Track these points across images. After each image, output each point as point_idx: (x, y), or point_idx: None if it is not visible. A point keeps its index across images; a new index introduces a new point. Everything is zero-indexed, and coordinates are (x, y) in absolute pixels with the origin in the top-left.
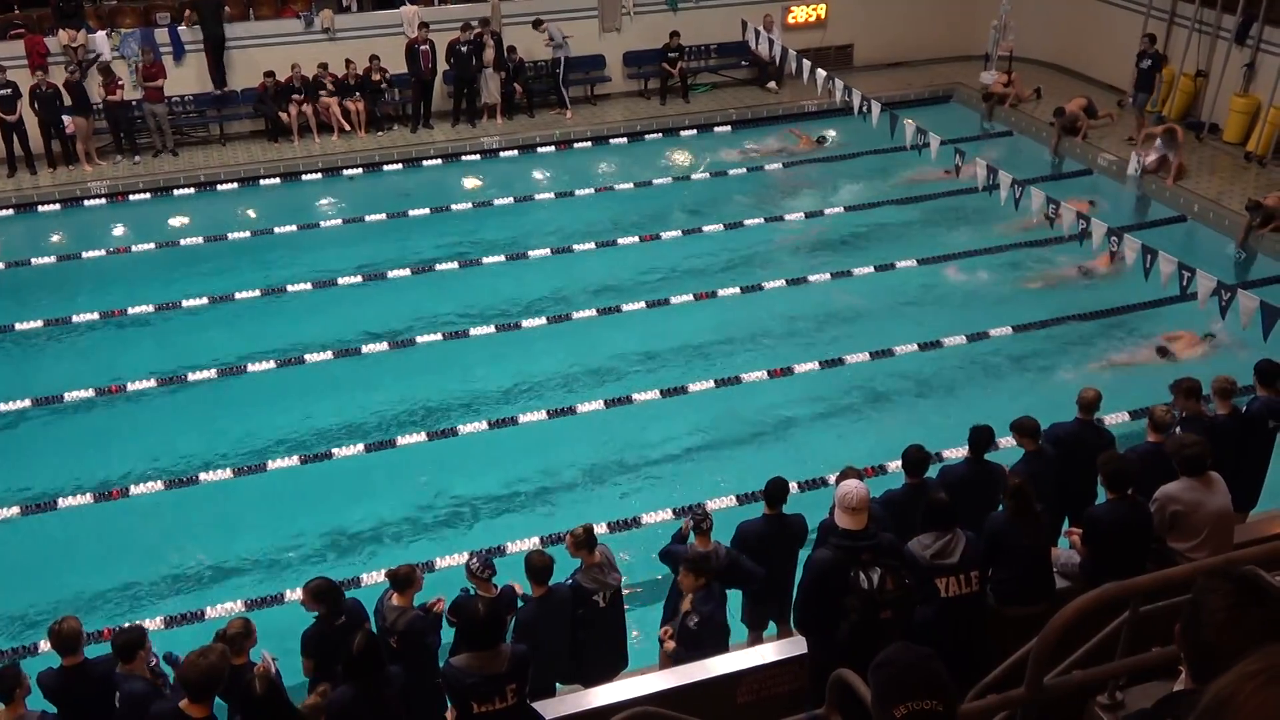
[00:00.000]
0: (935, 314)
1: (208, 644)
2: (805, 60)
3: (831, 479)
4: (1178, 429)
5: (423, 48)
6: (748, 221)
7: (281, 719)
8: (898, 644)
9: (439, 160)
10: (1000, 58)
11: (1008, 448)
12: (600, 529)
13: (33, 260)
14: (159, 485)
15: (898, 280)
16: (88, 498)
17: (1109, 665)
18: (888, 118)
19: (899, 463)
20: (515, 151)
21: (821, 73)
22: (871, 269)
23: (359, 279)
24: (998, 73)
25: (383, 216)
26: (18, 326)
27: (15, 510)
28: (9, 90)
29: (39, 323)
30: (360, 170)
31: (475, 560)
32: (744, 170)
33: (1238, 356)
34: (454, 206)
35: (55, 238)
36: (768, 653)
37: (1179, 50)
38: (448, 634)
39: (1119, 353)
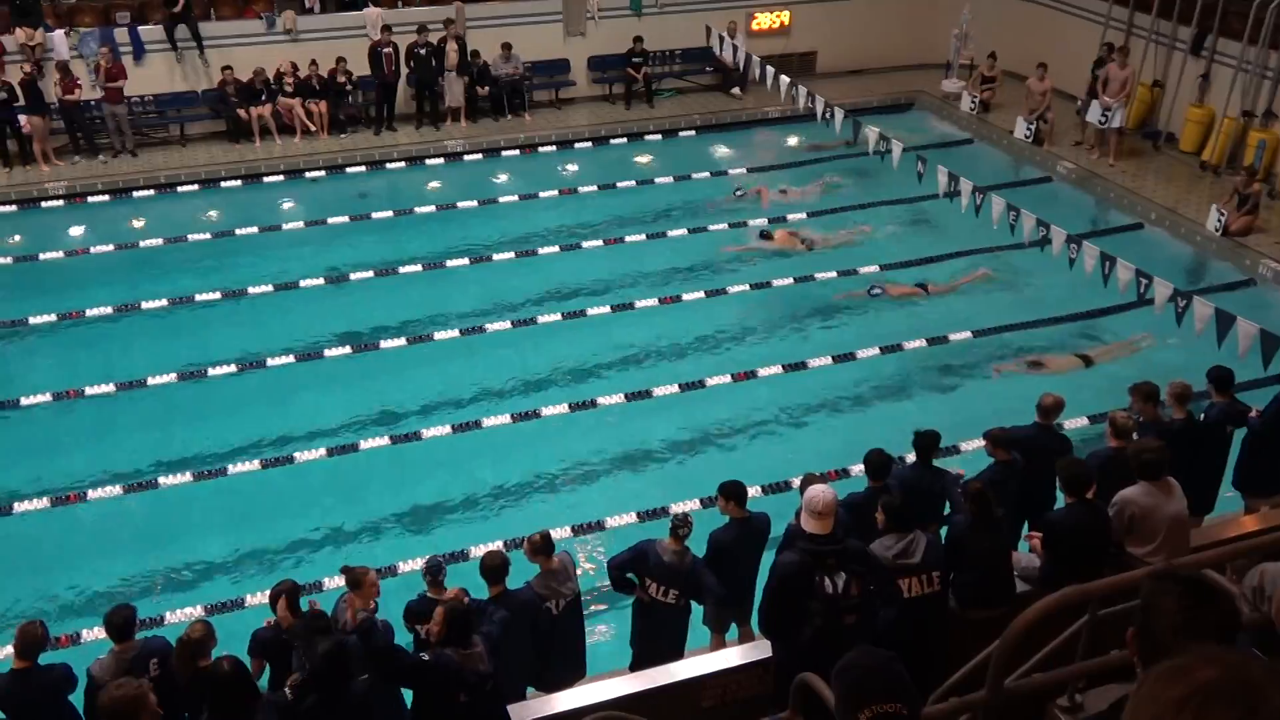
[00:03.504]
0: (896, 318)
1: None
2: (769, 66)
3: (795, 483)
4: (1134, 434)
5: (386, 50)
6: (711, 226)
7: (249, 694)
8: (861, 648)
9: (402, 163)
10: (961, 66)
11: (970, 452)
12: (563, 533)
13: None
14: (117, 490)
15: (859, 285)
16: (44, 502)
17: (1068, 668)
18: (850, 124)
19: (861, 466)
20: (479, 155)
21: (785, 79)
22: (834, 274)
23: (321, 281)
24: (959, 80)
25: (345, 219)
26: None
27: None
28: None
29: None
30: (322, 172)
31: (425, 566)
32: (707, 174)
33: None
34: (417, 209)
35: (12, 239)
36: (732, 656)
37: (1136, 60)
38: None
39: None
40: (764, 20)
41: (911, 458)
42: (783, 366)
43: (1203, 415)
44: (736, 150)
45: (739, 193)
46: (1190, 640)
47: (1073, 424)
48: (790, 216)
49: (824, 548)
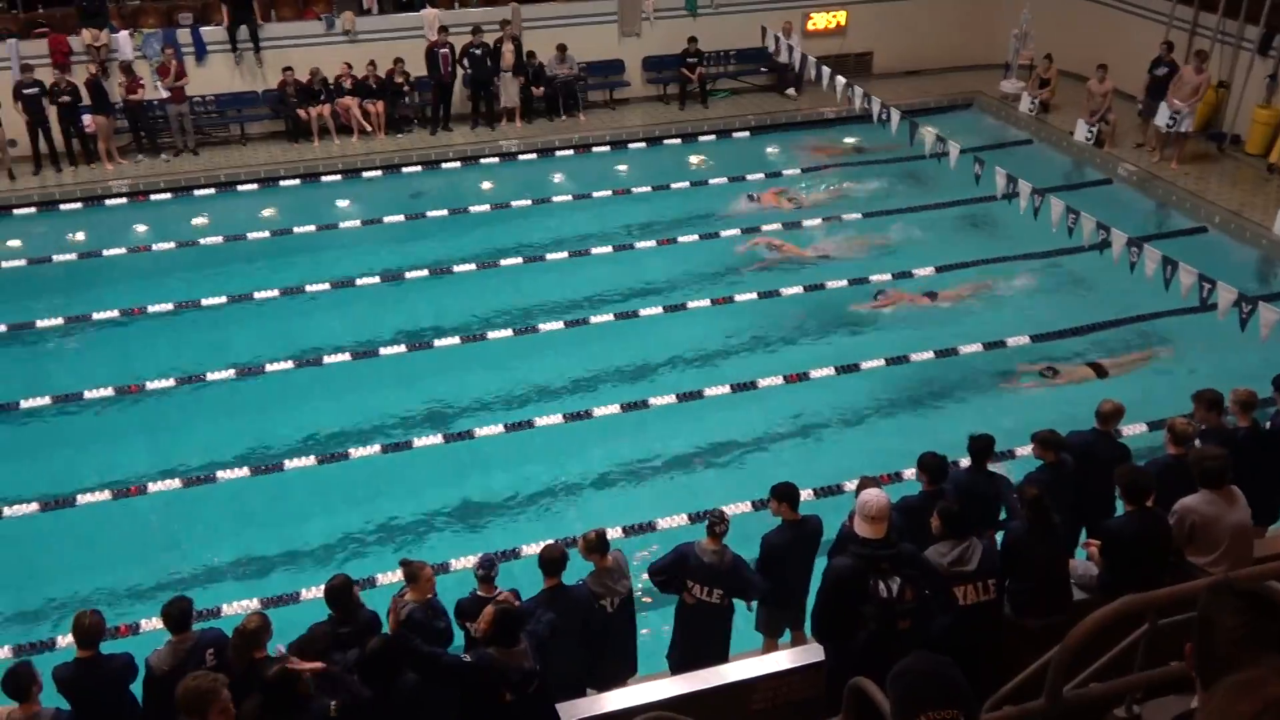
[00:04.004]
0: (952, 322)
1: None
2: (824, 67)
3: (848, 486)
4: (1197, 441)
5: (442, 51)
6: (765, 227)
7: (294, 694)
8: (917, 653)
9: (457, 163)
10: (1020, 66)
11: (1024, 457)
12: (614, 533)
13: (54, 257)
14: (176, 483)
15: (914, 287)
16: (105, 494)
17: (1127, 678)
18: (907, 125)
19: (914, 470)
20: (534, 155)
21: (841, 80)
22: (889, 276)
23: (377, 280)
24: (1018, 81)
25: (400, 218)
26: (38, 324)
27: (34, 507)
28: (35, 89)
29: (59, 320)
30: (379, 171)
31: (479, 564)
32: (761, 175)
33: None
34: (472, 209)
35: (77, 235)
36: (783, 660)
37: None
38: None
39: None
40: (820, 20)
41: (965, 462)
42: (835, 369)
43: (1268, 423)
44: (788, 150)
45: (752, 198)
46: (1250, 655)
47: (1131, 430)
48: (845, 217)
49: (878, 552)
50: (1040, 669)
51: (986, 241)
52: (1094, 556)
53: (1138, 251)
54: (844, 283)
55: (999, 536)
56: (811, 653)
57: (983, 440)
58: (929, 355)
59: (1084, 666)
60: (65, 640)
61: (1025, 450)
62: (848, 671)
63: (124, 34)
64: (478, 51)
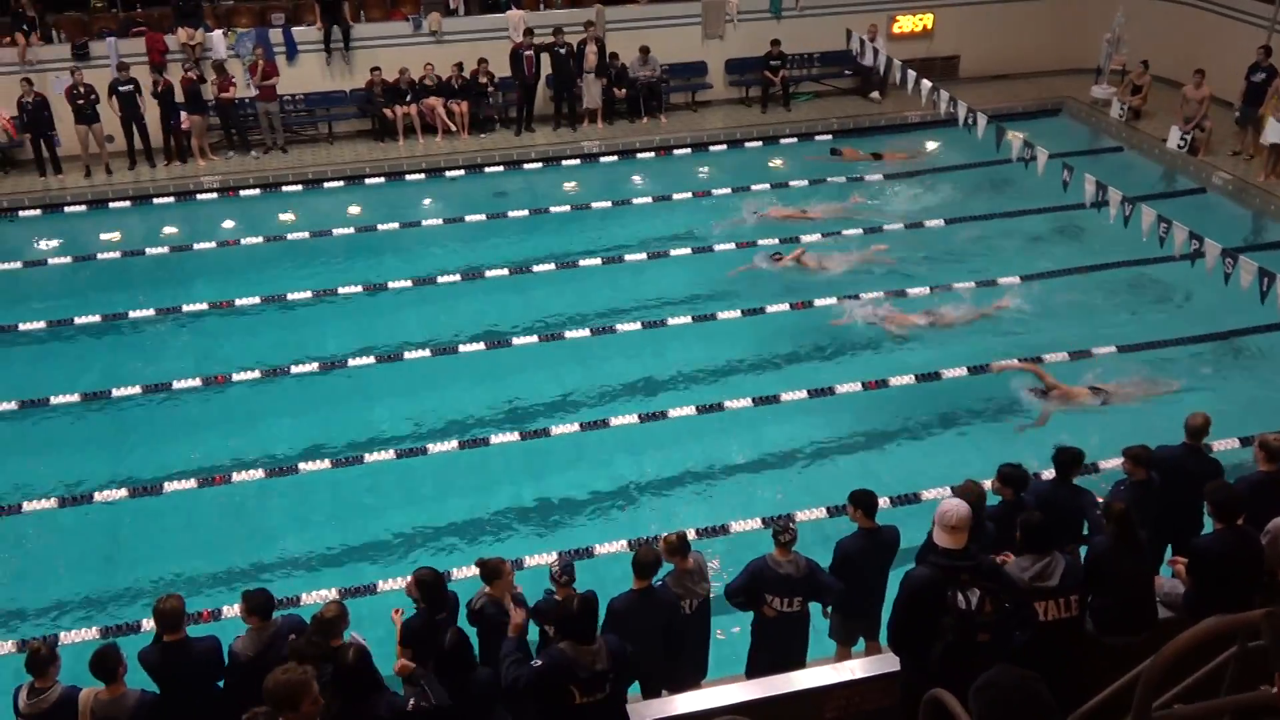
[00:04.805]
0: (1036, 330)
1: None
2: (910, 70)
3: (925, 495)
4: None
5: (527, 52)
6: (846, 232)
7: (371, 685)
8: (1001, 666)
9: (539, 163)
10: (1113, 71)
11: (1111, 470)
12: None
13: (147, 250)
14: (259, 474)
15: (997, 295)
16: (192, 483)
17: (1215, 701)
18: (994, 130)
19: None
20: (615, 156)
21: (926, 83)
22: (973, 284)
23: (457, 278)
24: (1110, 86)
25: (482, 217)
26: (131, 315)
27: (123, 493)
28: (131, 86)
29: (150, 311)
30: (462, 171)
31: (556, 564)
32: (843, 179)
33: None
34: (552, 209)
35: (169, 229)
36: (857, 669)
37: None
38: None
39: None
40: (906, 23)
41: (1049, 474)
42: (915, 376)
43: None
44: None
45: (757, 213)
46: None
47: (1222, 445)
48: (928, 223)
49: (957, 563)
50: (1123, 687)
51: (1073, 250)
52: (1180, 574)
53: (1233, 262)
54: (925, 290)
55: (1082, 551)
56: (886, 663)
57: (1070, 452)
58: (1013, 362)
59: (1169, 687)
60: (149, 624)
61: (1113, 462)
62: (923, 683)
63: (218, 33)
64: (562, 52)
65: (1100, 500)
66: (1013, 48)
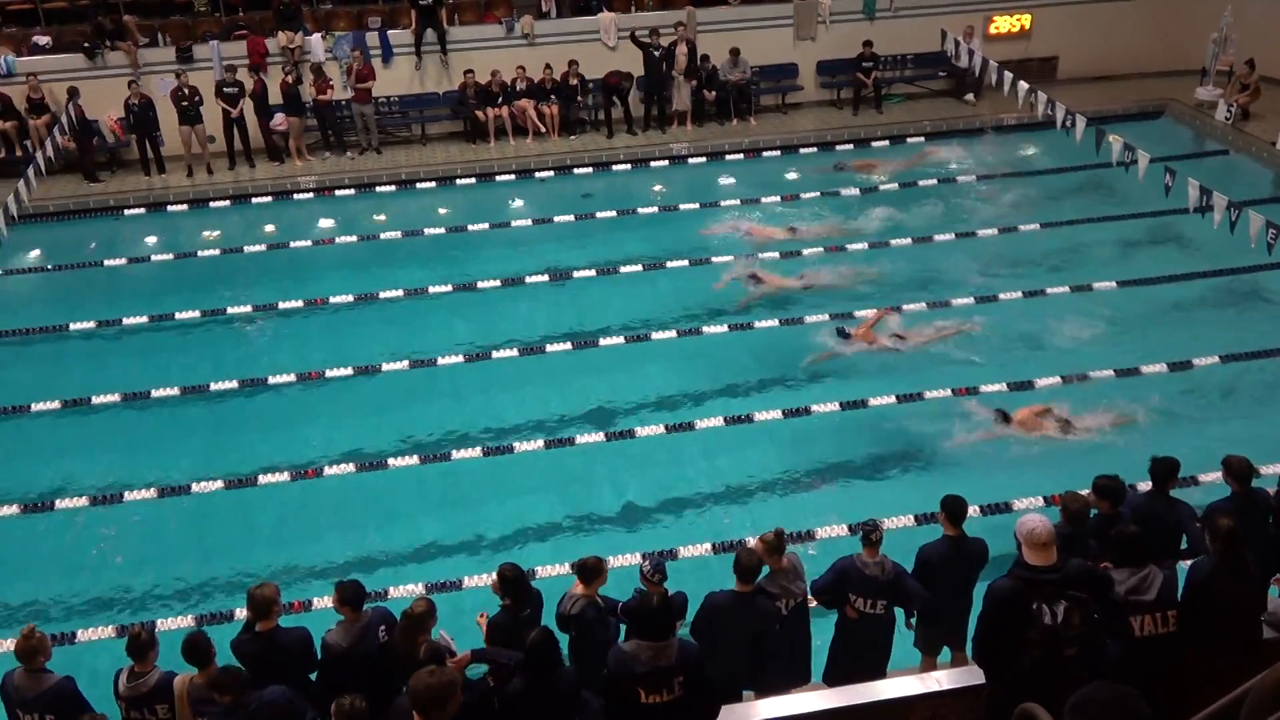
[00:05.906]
0: (1135, 339)
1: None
2: (1006, 72)
3: (1016, 505)
4: None
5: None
6: (937, 237)
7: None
8: (1099, 682)
9: (627, 165)
10: (1219, 72)
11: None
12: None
13: (245, 248)
14: (350, 468)
15: (1092, 302)
16: (285, 475)
17: None
18: (1093, 133)
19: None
20: (703, 159)
21: (1023, 85)
22: (1067, 289)
23: (545, 278)
24: (1216, 87)
25: (570, 218)
26: (229, 310)
27: (219, 484)
28: (235, 89)
29: (248, 308)
30: (551, 172)
31: (647, 563)
32: (934, 181)
33: None
34: (640, 210)
35: (268, 228)
36: (942, 680)
37: None
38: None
39: None
40: (1003, 24)
41: (1145, 486)
42: (1007, 385)
43: None
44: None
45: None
46: None
47: None
48: (1023, 228)
49: (1039, 575)
50: (1228, 705)
51: (1176, 253)
52: None
53: None
54: (1018, 294)
55: (1181, 567)
56: (971, 675)
57: (1167, 463)
58: (1109, 374)
59: (1269, 713)
60: (240, 613)
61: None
62: (1009, 697)
63: (316, 36)
64: (656, 52)
65: (1197, 511)
66: (1114, 48)
